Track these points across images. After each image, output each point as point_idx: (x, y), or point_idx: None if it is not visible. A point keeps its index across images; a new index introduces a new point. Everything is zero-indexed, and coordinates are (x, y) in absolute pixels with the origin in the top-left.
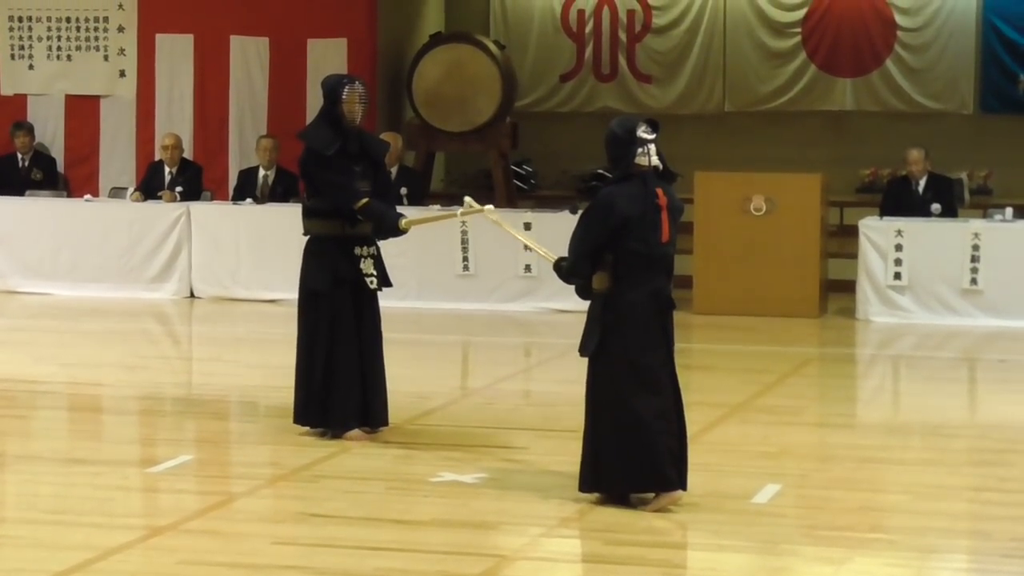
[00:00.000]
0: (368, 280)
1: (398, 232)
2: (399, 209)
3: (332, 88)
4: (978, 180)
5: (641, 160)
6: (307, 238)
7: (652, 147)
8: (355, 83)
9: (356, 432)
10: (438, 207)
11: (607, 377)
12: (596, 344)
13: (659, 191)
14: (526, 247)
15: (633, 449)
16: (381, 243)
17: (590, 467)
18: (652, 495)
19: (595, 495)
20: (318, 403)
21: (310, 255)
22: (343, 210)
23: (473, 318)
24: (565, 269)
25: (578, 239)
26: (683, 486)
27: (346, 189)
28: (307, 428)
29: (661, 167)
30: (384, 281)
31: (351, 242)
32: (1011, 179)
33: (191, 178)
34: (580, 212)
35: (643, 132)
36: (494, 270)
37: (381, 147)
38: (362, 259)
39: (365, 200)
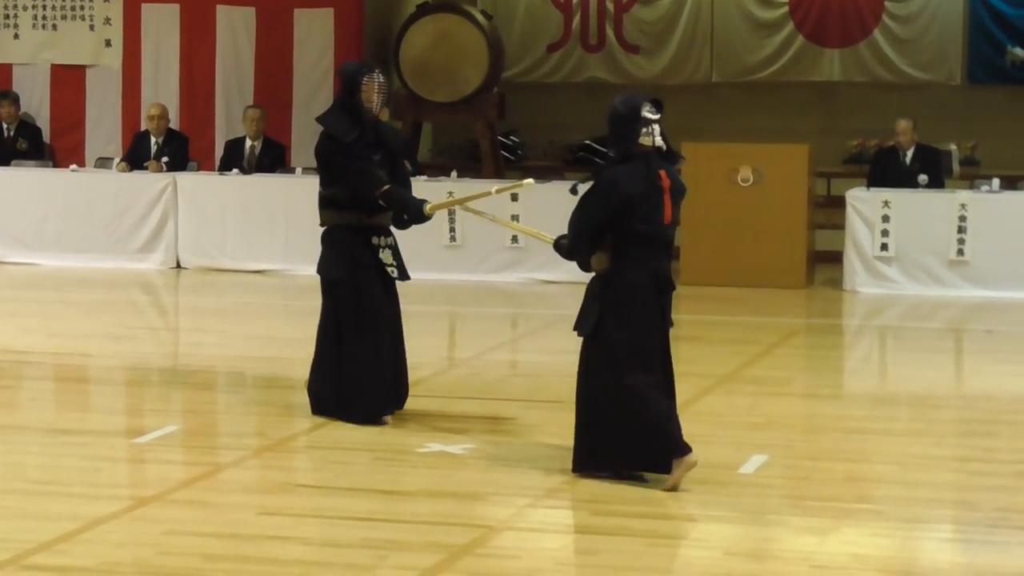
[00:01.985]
0: (388, 270)
1: (423, 217)
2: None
3: (351, 77)
4: (965, 151)
5: (645, 140)
6: (323, 228)
7: (656, 127)
8: (374, 73)
9: (387, 420)
10: (425, 177)
11: (603, 357)
12: (593, 324)
13: (662, 173)
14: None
15: (631, 426)
16: (400, 232)
17: (585, 448)
18: (668, 474)
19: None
20: (345, 394)
21: (327, 245)
22: (365, 198)
23: (460, 289)
24: (566, 248)
25: (578, 218)
26: (687, 450)
27: (367, 176)
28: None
29: (664, 148)
30: (403, 273)
31: (368, 232)
32: (998, 150)
33: (177, 148)
34: (581, 192)
35: (647, 112)
36: (481, 241)
37: (398, 138)
38: (380, 249)
39: (387, 187)
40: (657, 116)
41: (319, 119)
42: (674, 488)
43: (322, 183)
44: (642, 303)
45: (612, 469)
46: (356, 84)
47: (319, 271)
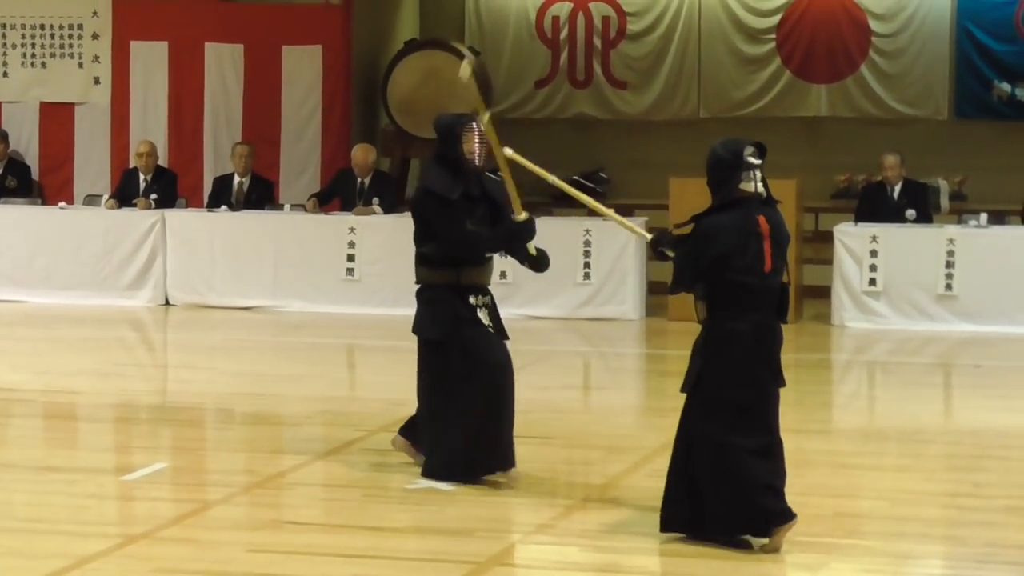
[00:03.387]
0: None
1: (526, 228)
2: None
3: (448, 129)
4: (953, 186)
5: (746, 186)
6: (418, 286)
7: (758, 172)
8: (473, 122)
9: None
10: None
11: (703, 413)
12: (694, 381)
13: (761, 218)
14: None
15: (732, 490)
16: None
17: (683, 507)
18: (759, 538)
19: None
20: (464, 453)
21: (424, 303)
22: (473, 260)
23: None
24: (675, 278)
25: (678, 267)
26: (789, 517)
27: (470, 243)
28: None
29: (765, 194)
30: (501, 332)
31: (466, 291)
32: (985, 185)
33: (166, 185)
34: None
35: (750, 156)
36: None
37: (501, 189)
38: (477, 308)
39: (487, 243)
40: (759, 162)
41: (424, 182)
42: (775, 550)
43: (418, 240)
44: (741, 357)
45: (715, 535)
46: (455, 136)
47: (416, 330)
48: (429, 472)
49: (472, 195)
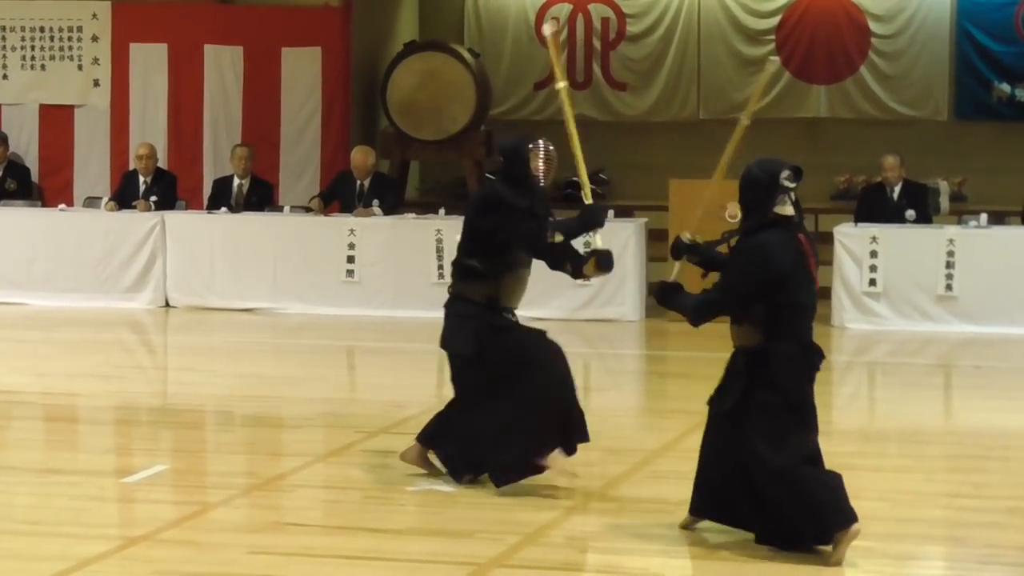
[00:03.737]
0: None
1: (598, 211)
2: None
3: (515, 152)
4: (953, 187)
5: (781, 209)
6: (453, 297)
7: (793, 194)
8: (539, 143)
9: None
10: (412, 215)
11: (761, 434)
12: (735, 402)
13: (802, 238)
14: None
15: (824, 493)
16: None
17: (805, 521)
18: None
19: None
20: (521, 452)
21: (454, 317)
22: (539, 253)
23: None
24: (694, 307)
25: (728, 285)
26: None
27: (539, 235)
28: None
29: (798, 218)
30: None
31: (501, 309)
32: (985, 186)
33: (166, 187)
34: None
35: (786, 180)
36: None
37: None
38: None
39: (558, 237)
40: (795, 185)
41: (487, 189)
42: (838, 563)
43: (465, 251)
44: (801, 377)
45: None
46: (523, 157)
47: (446, 345)
48: (502, 478)
49: (537, 214)
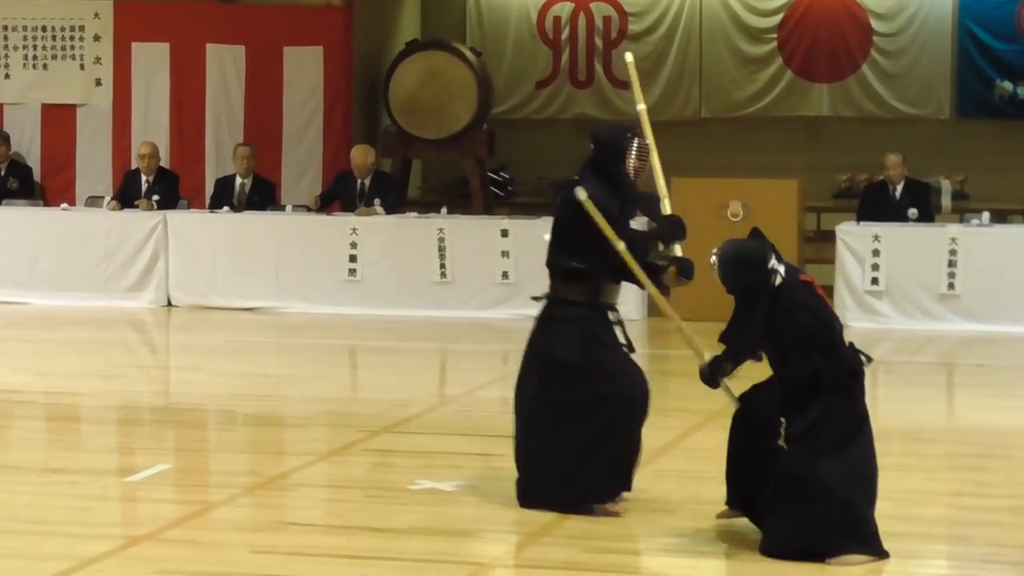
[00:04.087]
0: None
1: (680, 222)
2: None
3: (613, 142)
4: (955, 185)
5: (774, 279)
6: (553, 300)
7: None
8: (638, 138)
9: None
10: (414, 214)
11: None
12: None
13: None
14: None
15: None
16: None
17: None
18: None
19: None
20: (576, 477)
21: (560, 322)
22: (604, 273)
23: (451, 325)
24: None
25: (744, 324)
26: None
27: (641, 241)
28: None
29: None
30: (631, 347)
31: (604, 309)
32: (988, 184)
33: (168, 187)
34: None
35: (774, 263)
36: (471, 277)
37: (656, 204)
38: (615, 325)
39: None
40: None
41: (581, 186)
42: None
43: (562, 252)
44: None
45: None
46: (622, 151)
47: (553, 351)
48: (591, 497)
49: (629, 214)
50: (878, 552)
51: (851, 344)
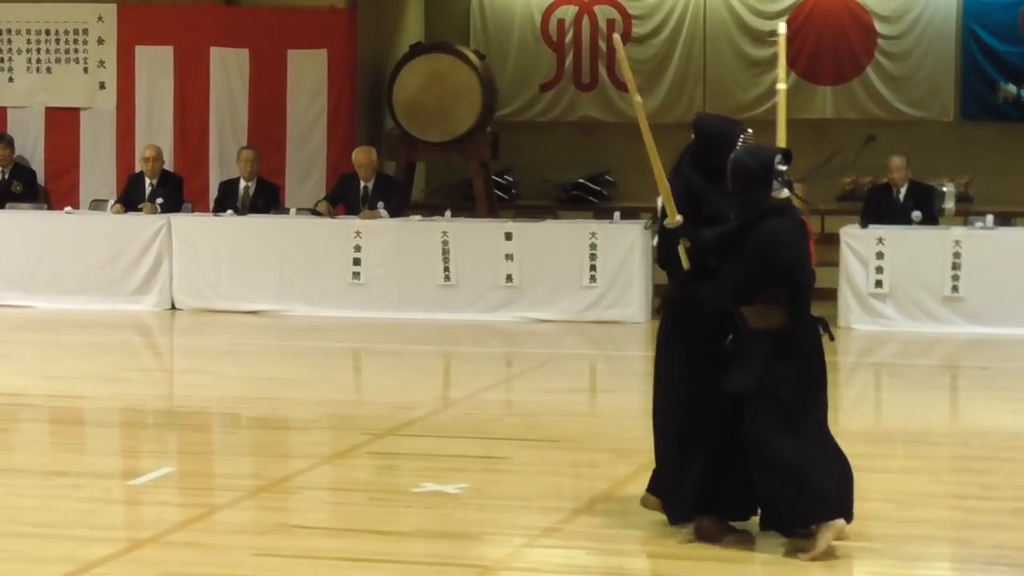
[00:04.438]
0: None
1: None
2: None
3: (721, 135)
4: (959, 187)
5: (778, 194)
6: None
7: (786, 179)
8: (747, 132)
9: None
10: (418, 217)
11: (773, 415)
12: (756, 380)
13: (804, 219)
14: None
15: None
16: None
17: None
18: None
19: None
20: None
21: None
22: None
23: (454, 328)
24: (705, 294)
25: (743, 274)
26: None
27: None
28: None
29: (791, 199)
30: None
31: None
32: (991, 186)
33: (172, 190)
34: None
35: (779, 164)
36: (475, 280)
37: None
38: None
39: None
40: (786, 168)
41: (687, 180)
42: (818, 554)
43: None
44: (817, 358)
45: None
46: (728, 145)
47: None
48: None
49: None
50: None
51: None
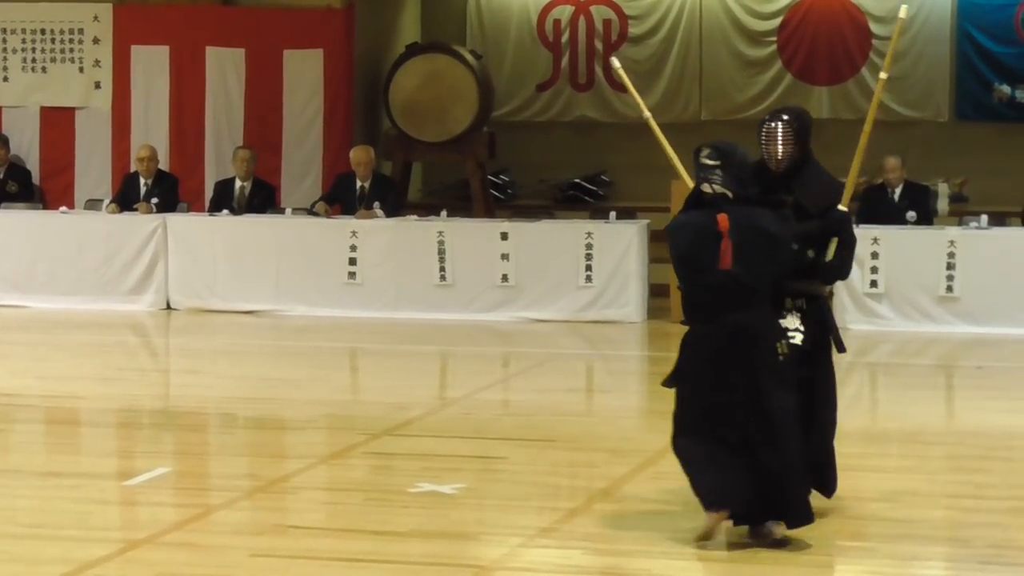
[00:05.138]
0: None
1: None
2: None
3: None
4: (954, 188)
5: (704, 187)
6: (813, 298)
7: (716, 174)
8: (770, 121)
9: None
10: (415, 217)
11: (675, 410)
12: (672, 377)
13: (721, 216)
14: None
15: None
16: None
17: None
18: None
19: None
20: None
21: (833, 319)
22: None
23: (451, 328)
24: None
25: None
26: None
27: None
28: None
29: (731, 195)
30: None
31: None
32: (987, 186)
33: (167, 190)
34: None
35: (704, 158)
36: (472, 280)
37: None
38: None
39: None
40: (713, 163)
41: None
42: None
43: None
44: (712, 357)
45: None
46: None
47: (842, 348)
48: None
49: (776, 202)
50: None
51: None
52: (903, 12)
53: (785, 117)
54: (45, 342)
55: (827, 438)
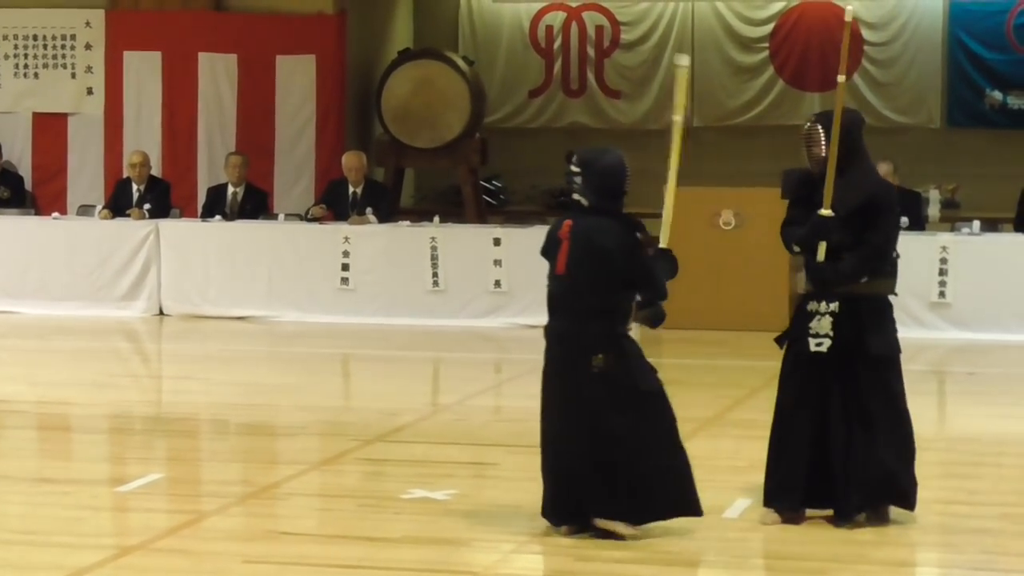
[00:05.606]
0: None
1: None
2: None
3: (852, 124)
4: (945, 194)
5: (574, 193)
6: (870, 299)
7: (576, 180)
8: (810, 123)
9: None
10: (407, 223)
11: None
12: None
13: (567, 222)
14: None
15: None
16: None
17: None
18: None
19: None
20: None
21: (886, 319)
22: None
23: (443, 334)
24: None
25: None
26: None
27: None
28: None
29: (585, 203)
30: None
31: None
32: (978, 192)
33: (160, 195)
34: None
35: (571, 164)
36: (464, 286)
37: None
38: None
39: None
40: (577, 170)
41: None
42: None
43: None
44: (547, 357)
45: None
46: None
47: (889, 350)
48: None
49: (815, 202)
50: None
51: None
52: (684, 61)
53: (815, 119)
54: (37, 348)
55: (876, 449)
